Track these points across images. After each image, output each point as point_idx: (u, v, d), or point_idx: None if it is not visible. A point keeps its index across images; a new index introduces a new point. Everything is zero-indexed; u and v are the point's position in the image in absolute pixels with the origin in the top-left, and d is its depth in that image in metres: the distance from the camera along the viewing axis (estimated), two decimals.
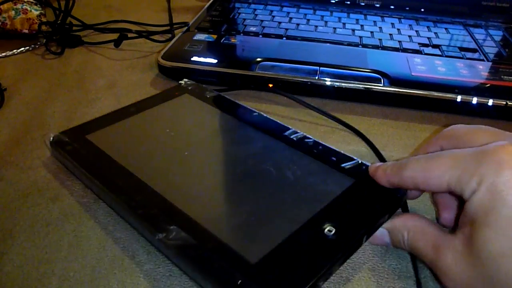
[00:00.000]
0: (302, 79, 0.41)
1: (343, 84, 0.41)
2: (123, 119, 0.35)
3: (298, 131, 0.33)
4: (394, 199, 0.27)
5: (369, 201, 0.26)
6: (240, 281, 0.21)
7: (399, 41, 0.49)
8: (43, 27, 0.53)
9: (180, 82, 0.40)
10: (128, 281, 0.24)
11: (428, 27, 0.54)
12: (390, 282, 0.24)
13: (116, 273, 0.25)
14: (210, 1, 0.61)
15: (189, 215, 0.25)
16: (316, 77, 0.41)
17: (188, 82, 0.40)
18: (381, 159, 0.34)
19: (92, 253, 0.26)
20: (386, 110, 0.41)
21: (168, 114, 0.36)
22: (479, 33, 0.53)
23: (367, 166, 0.29)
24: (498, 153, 0.21)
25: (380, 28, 0.53)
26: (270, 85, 0.42)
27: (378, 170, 0.27)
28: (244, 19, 0.54)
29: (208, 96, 0.38)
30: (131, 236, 0.27)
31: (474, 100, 0.39)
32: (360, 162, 0.30)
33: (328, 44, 0.48)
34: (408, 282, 0.24)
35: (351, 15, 0.57)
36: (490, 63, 0.45)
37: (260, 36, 0.50)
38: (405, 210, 0.29)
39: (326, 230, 0.24)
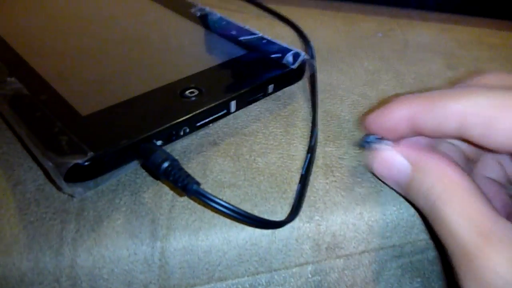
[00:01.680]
0: None
1: None
2: None
3: (205, 8, 0.29)
4: (286, 72, 0.23)
5: (253, 71, 0.23)
6: (63, 131, 0.18)
7: None
8: None
9: None
10: None
11: None
12: (268, 147, 0.21)
13: None
14: None
15: (34, 68, 0.23)
16: None
17: None
18: (306, 42, 0.30)
19: None
20: (327, 3, 0.37)
21: None
22: None
23: (266, 39, 0.26)
24: None
25: None
26: None
27: (393, 101, 0.17)
28: None
29: None
30: None
31: None
32: (260, 35, 0.26)
33: None
34: (292, 148, 0.21)
35: None
36: None
37: None
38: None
39: (188, 92, 0.21)
